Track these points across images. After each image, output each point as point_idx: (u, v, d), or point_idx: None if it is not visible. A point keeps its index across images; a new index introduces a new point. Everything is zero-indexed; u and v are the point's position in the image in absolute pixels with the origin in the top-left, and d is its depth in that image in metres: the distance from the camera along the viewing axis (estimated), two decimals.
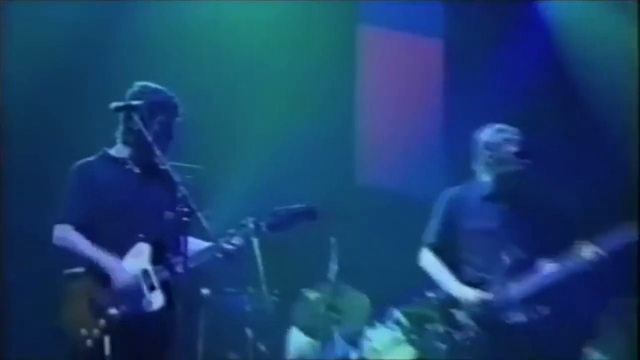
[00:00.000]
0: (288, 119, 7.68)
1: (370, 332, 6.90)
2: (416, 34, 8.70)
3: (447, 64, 8.59)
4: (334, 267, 6.71)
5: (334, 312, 6.82)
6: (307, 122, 7.77)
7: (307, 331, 6.98)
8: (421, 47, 8.74)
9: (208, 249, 4.73)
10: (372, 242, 7.21)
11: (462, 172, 5.69)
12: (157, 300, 4.58)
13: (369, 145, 8.55)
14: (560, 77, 8.47)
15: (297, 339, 7.01)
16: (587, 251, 4.95)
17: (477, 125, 5.83)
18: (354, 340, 7.12)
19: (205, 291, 6.45)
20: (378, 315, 7.03)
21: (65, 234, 4.67)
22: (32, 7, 7.19)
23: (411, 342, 6.56)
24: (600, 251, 4.93)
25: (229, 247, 4.75)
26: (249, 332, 6.67)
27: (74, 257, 4.66)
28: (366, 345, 6.91)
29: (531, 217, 5.20)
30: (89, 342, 4.47)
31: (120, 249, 4.62)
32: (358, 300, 7.02)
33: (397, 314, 6.69)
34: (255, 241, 5.12)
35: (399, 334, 6.69)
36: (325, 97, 8.01)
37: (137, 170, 4.76)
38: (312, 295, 6.89)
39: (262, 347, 6.75)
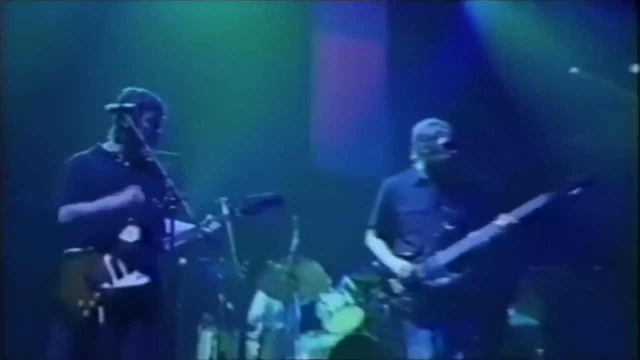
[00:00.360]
0: (252, 112, 7.62)
1: (324, 297, 7.01)
2: (363, 36, 8.62)
3: (390, 63, 8.55)
4: (295, 242, 6.73)
5: (293, 280, 6.80)
6: (270, 114, 7.73)
7: (271, 295, 7.01)
8: (367, 48, 8.66)
9: (190, 230, 4.78)
10: (327, 219, 7.22)
11: (405, 159, 5.72)
12: (142, 276, 4.61)
13: (325, 135, 8.49)
14: (487, 74, 8.48)
15: (262, 302, 7.09)
16: (503, 219, 5.04)
17: (417, 116, 5.85)
18: (310, 303, 7.17)
19: (182, 261, 6.39)
20: (333, 282, 7.10)
21: (71, 207, 4.62)
22: (30, 6, 6.98)
23: (359, 305, 6.89)
24: (513, 219, 5.03)
25: (208, 229, 4.86)
26: (221, 296, 6.72)
27: (80, 227, 4.59)
28: (321, 307, 7.00)
29: (457, 199, 5.24)
30: (85, 312, 4.47)
31: (112, 232, 4.60)
32: (314, 270, 7.00)
33: (348, 281, 6.96)
34: (229, 224, 5.19)
35: (349, 298, 6.95)
36: (284, 93, 7.95)
37: (127, 163, 4.74)
38: (275, 265, 6.85)
39: (231, 306, 6.79)
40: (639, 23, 7.53)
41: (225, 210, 5.34)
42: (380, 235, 5.45)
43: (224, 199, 5.50)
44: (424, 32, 8.51)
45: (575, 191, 5.06)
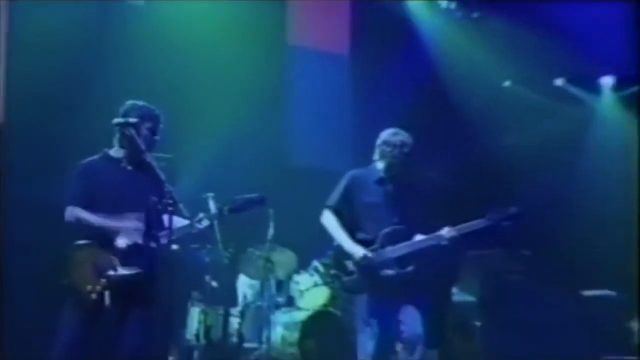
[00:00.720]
0: (234, 116, 7.46)
1: (297, 278, 7.11)
2: (332, 52, 8.62)
3: (355, 76, 8.50)
4: (271, 232, 6.74)
5: (269, 264, 6.84)
6: (250, 118, 7.60)
7: (250, 277, 7.04)
8: (333, 60, 8.61)
9: (185, 226, 4.79)
10: (299, 211, 6.89)
11: (369, 157, 5.62)
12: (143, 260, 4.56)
13: (297, 136, 8.39)
14: (439, 84, 8.55)
15: (243, 282, 7.09)
16: (447, 232, 5.02)
17: (377, 120, 5.96)
18: (284, 281, 7.16)
19: (174, 247, 6.47)
20: (303, 266, 7.15)
21: (77, 212, 4.58)
22: (35, 8, 6.67)
23: (326, 285, 6.93)
24: (455, 233, 5.03)
25: (200, 226, 4.87)
26: (207, 277, 6.69)
27: (81, 229, 4.55)
28: (294, 287, 7.10)
29: (409, 198, 5.17)
30: (93, 296, 4.47)
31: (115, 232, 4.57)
32: (287, 255, 7.07)
33: (317, 264, 7.02)
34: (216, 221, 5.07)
35: (317, 279, 7.01)
36: (263, 99, 7.84)
37: (129, 167, 4.71)
38: (254, 252, 6.88)
39: (216, 285, 6.73)
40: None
41: (212, 205, 5.21)
42: (336, 213, 5.28)
43: (210, 194, 5.33)
44: (384, 47, 8.49)
45: (506, 223, 5.01)
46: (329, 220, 5.27)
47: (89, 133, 5.90)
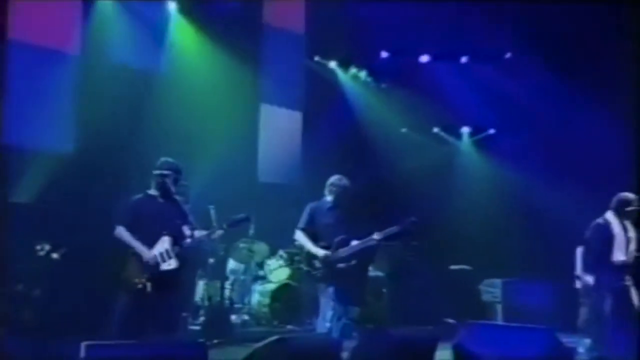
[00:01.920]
0: (221, 148, 7.07)
1: (268, 261, 7.15)
2: (288, 106, 8.25)
3: (305, 126, 8.23)
4: (251, 231, 6.72)
5: (251, 252, 6.88)
6: (232, 149, 7.20)
7: (238, 261, 6.99)
8: (290, 113, 8.26)
9: (201, 237, 4.90)
10: (271, 216, 6.75)
11: (313, 175, 5.80)
12: (172, 263, 4.62)
13: (265, 160, 8.00)
14: (360, 129, 8.47)
15: (232, 264, 6.97)
16: (377, 235, 5.08)
17: (323, 162, 6.15)
18: (260, 264, 7.18)
19: (188, 241, 5.76)
20: (272, 253, 7.15)
21: (121, 231, 4.62)
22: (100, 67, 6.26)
23: (287, 266, 7.02)
24: (381, 235, 5.09)
25: (214, 235, 5.10)
26: (210, 260, 6.47)
27: (123, 243, 4.59)
28: (266, 267, 7.14)
29: (349, 218, 5.18)
30: (139, 286, 4.50)
31: (154, 240, 4.63)
32: (263, 247, 7.08)
33: (282, 253, 7.09)
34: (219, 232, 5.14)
35: (282, 262, 7.08)
36: (239, 135, 7.44)
37: (161, 201, 4.71)
38: (240, 244, 6.84)
39: (212, 261, 6.47)
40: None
41: (213, 213, 5.37)
42: (304, 232, 5.24)
43: (211, 206, 5.46)
44: (326, 103, 8.26)
45: (408, 229, 5.12)
46: (300, 236, 5.24)
47: (133, 168, 5.90)
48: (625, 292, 5.28)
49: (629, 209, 5.36)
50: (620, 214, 5.38)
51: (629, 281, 5.31)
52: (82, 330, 4.17)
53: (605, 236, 5.34)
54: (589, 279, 5.49)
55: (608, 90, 7.16)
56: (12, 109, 5.78)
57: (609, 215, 5.42)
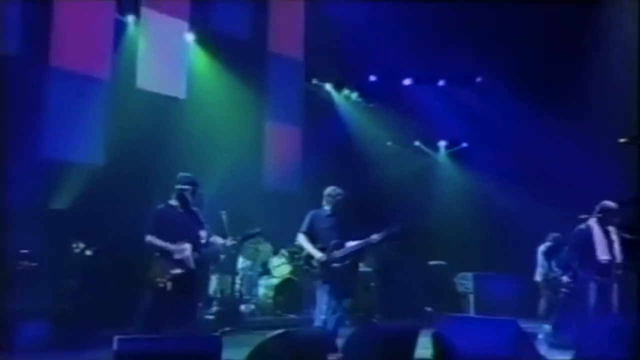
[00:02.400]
0: (228, 156, 7.01)
1: (272, 259, 7.14)
2: (290, 123, 8.22)
3: (305, 140, 8.16)
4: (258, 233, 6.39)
5: (257, 251, 6.87)
6: (241, 161, 7.18)
7: (246, 258, 6.92)
8: (290, 130, 8.24)
9: (217, 246, 4.88)
10: (274, 220, 6.61)
11: (312, 184, 5.75)
12: (192, 264, 4.54)
13: (271, 170, 7.94)
14: (353, 145, 8.54)
15: (242, 262, 6.90)
16: (375, 236, 4.92)
17: (321, 174, 6.01)
18: (265, 261, 7.14)
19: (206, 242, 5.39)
20: (275, 252, 7.14)
21: (152, 239, 4.53)
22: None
23: (288, 263, 6.98)
24: (378, 237, 4.92)
25: (229, 244, 4.97)
26: (222, 257, 6.20)
27: (153, 248, 4.47)
28: (270, 264, 7.11)
29: (343, 224, 5.03)
30: (161, 285, 4.43)
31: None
32: (267, 247, 7.07)
33: (283, 251, 7.05)
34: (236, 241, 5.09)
35: (284, 259, 7.04)
36: (246, 149, 7.39)
37: (181, 211, 4.60)
38: (248, 244, 6.63)
39: (223, 257, 6.23)
40: None
41: (224, 218, 5.17)
42: (305, 235, 5.07)
43: (223, 212, 5.28)
44: (325, 125, 8.24)
45: (396, 233, 4.94)
46: (301, 239, 5.12)
47: (156, 181, 5.75)
48: (608, 287, 5.11)
49: (610, 215, 5.20)
50: (602, 220, 5.21)
51: (612, 278, 5.13)
52: (110, 318, 4.14)
53: (587, 239, 5.18)
54: (566, 278, 5.45)
55: (568, 110, 7.20)
56: (52, 128, 5.98)
57: (591, 222, 5.25)
